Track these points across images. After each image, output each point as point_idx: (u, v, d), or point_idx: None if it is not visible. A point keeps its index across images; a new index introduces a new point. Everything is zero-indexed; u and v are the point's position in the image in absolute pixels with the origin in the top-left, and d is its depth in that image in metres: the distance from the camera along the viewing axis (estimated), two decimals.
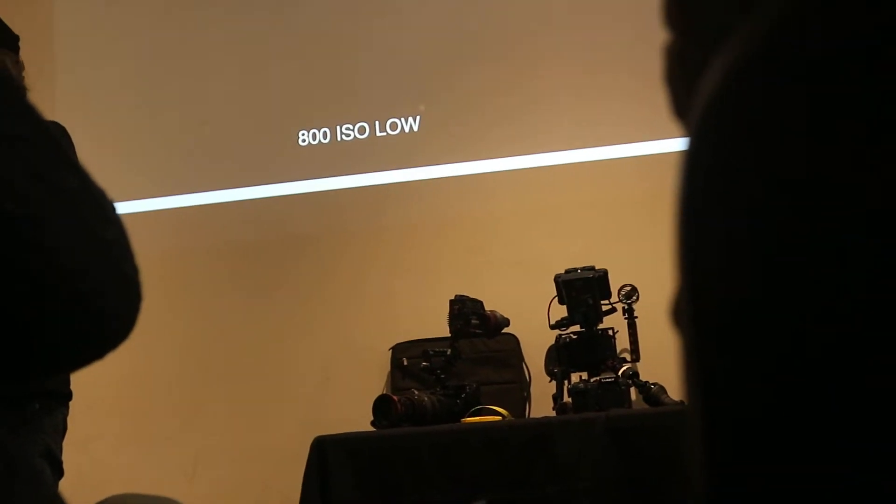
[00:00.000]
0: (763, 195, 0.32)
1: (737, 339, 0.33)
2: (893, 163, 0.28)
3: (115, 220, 0.64)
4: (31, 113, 0.60)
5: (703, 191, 0.34)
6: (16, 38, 2.22)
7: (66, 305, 0.59)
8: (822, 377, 0.30)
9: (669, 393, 2.75)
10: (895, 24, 0.29)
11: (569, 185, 3.86)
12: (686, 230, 0.34)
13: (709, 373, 0.34)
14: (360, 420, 2.88)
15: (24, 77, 2.21)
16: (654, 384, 2.77)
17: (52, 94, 4.12)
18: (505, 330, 3.12)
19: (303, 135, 4.12)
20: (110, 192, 0.66)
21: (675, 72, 0.40)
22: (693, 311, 0.34)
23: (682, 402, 2.71)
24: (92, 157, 2.13)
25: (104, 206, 0.63)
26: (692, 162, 0.34)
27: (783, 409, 0.31)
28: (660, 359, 2.72)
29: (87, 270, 0.60)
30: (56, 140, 0.61)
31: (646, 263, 3.14)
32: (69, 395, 2.21)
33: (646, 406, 2.79)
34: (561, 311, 2.90)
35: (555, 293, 2.90)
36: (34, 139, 0.59)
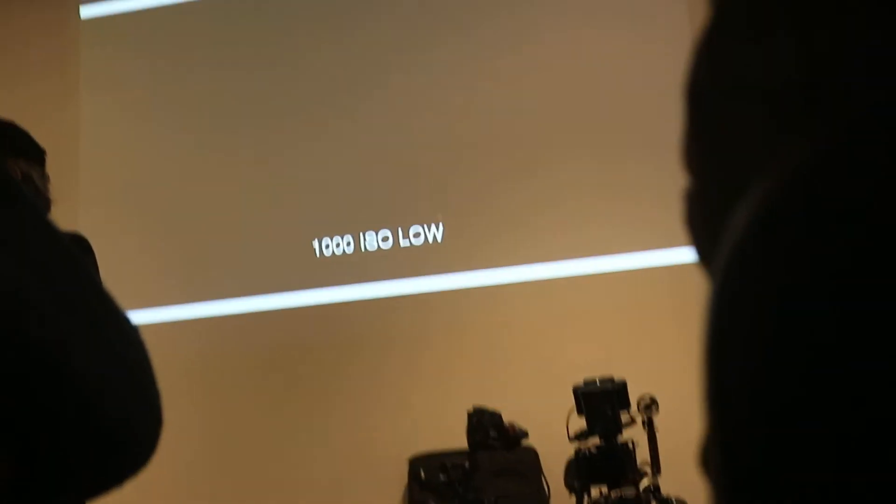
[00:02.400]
0: (793, 346, 0.32)
1: (766, 492, 0.32)
2: None
3: (137, 343, 0.64)
4: (56, 237, 0.61)
5: (730, 336, 0.34)
6: (42, 152, 2.27)
7: (90, 431, 0.59)
8: None
9: None
10: None
11: (587, 294, 3.87)
12: (712, 375, 0.34)
13: None
14: None
15: (49, 189, 2.25)
16: (675, 499, 2.72)
17: (75, 204, 4.19)
18: (523, 442, 3.08)
19: (325, 242, 4.16)
20: (132, 300, 0.67)
21: (696, 216, 0.40)
22: (721, 461, 0.34)
23: None
24: (113, 266, 2.14)
25: (127, 329, 0.64)
26: (718, 306, 0.34)
27: None
28: (681, 472, 2.67)
29: (111, 395, 0.60)
30: (81, 264, 0.61)
31: (666, 372, 3.12)
32: None
33: None
34: (580, 423, 2.87)
35: (573, 404, 2.87)
36: (59, 264, 0.60)
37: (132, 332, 0.64)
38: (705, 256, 0.39)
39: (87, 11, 4.67)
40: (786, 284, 0.32)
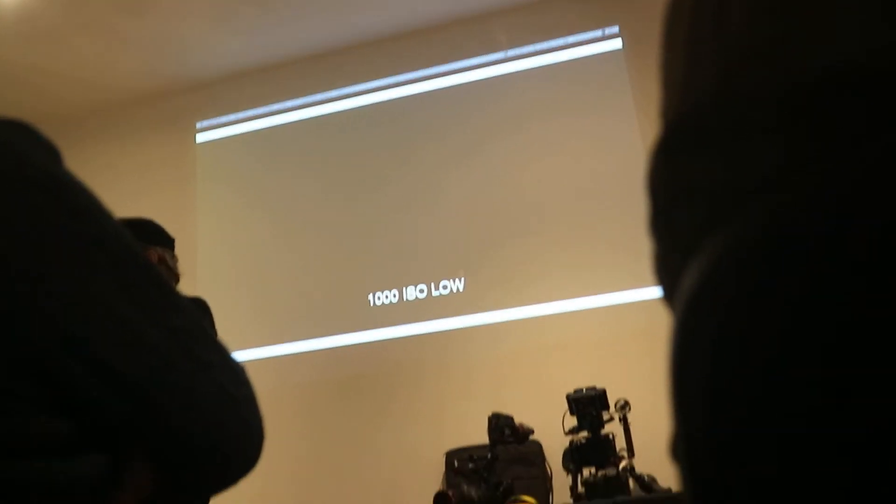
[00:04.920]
0: (733, 365, 0.32)
1: (718, 479, 0.32)
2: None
3: (244, 382, 0.64)
4: (187, 307, 0.62)
5: (688, 359, 0.35)
6: (172, 240, 2.29)
7: (208, 448, 0.59)
8: None
9: (659, 481, 2.65)
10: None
11: (574, 325, 3.84)
12: (676, 387, 0.35)
13: (700, 500, 0.33)
14: None
15: (177, 267, 2.28)
16: (647, 476, 2.67)
17: (194, 276, 4.22)
18: (531, 437, 3.04)
19: (377, 295, 4.16)
20: (237, 343, 0.67)
21: (661, 272, 0.41)
22: (686, 452, 0.34)
23: (669, 489, 2.61)
24: (222, 320, 2.14)
25: (237, 372, 0.64)
26: (679, 343, 0.35)
27: None
28: (649, 454, 2.63)
29: (223, 422, 0.60)
30: (203, 326, 0.62)
31: (635, 382, 3.08)
32: None
33: (642, 493, 2.68)
34: (572, 421, 2.83)
35: (567, 408, 2.84)
36: (189, 327, 0.60)
37: (241, 375, 0.65)
38: (667, 298, 0.40)
39: (201, 138, 4.76)
40: (722, 323, 0.33)
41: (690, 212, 0.37)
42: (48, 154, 0.59)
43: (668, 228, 0.39)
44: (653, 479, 2.67)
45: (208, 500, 1.57)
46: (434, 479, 3.66)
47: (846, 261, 0.30)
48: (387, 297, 4.14)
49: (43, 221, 0.54)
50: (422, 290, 4.10)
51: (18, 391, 0.51)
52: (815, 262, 0.30)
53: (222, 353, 0.63)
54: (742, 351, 0.32)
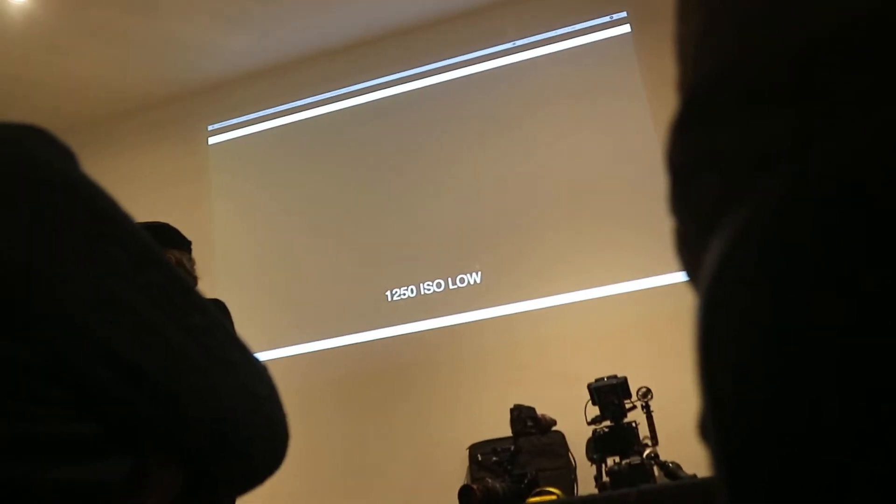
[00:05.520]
0: (760, 345, 0.32)
1: (750, 457, 0.32)
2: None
3: (266, 380, 0.64)
4: (207, 306, 0.62)
5: (715, 338, 0.35)
6: (189, 243, 2.30)
7: (232, 447, 0.59)
8: (824, 489, 0.29)
9: (684, 468, 2.63)
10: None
11: (594, 315, 3.83)
12: (703, 367, 0.35)
13: (733, 482, 0.33)
14: None
15: (195, 269, 2.28)
16: (671, 463, 2.66)
17: (213, 278, 4.24)
18: (553, 428, 3.04)
19: (395, 291, 4.17)
20: (257, 344, 0.66)
21: (682, 250, 0.41)
22: (715, 433, 0.34)
23: (694, 475, 2.59)
24: (241, 321, 2.16)
25: (259, 370, 0.64)
26: (705, 321, 0.35)
27: None
28: (673, 441, 2.62)
29: (246, 421, 0.60)
30: (224, 325, 0.62)
31: (656, 369, 3.07)
32: None
33: (667, 480, 2.67)
34: (594, 411, 2.83)
35: (589, 397, 2.83)
36: (210, 327, 0.60)
37: (263, 373, 0.64)
38: (691, 276, 0.40)
39: (213, 140, 4.78)
40: (745, 302, 0.33)
41: (708, 186, 0.36)
42: (64, 157, 0.59)
43: (686, 205, 0.39)
44: (678, 466, 2.66)
45: (234, 501, 1.58)
46: (458, 473, 3.67)
47: (859, 234, 0.30)
48: (404, 292, 4.15)
49: (61, 223, 0.54)
50: (439, 285, 4.10)
51: (42, 393, 0.51)
52: (832, 236, 0.30)
53: (244, 352, 0.63)
54: (767, 330, 0.32)
